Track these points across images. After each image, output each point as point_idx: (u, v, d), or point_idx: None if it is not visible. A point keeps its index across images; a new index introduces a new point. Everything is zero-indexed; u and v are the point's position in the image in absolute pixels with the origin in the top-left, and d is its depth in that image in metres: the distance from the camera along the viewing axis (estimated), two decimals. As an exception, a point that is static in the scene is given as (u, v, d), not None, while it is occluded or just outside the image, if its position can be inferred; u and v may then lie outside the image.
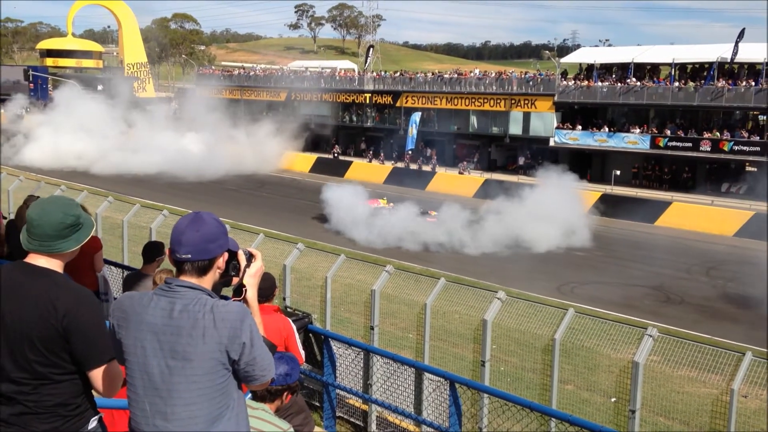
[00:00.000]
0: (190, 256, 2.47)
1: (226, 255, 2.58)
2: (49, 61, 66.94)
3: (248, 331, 2.44)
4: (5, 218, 8.14)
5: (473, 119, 42.73)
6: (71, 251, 2.81)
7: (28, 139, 42.07)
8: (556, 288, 19.36)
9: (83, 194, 15.40)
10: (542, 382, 9.10)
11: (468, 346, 10.96)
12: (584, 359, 10.86)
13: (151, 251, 6.22)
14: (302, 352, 5.08)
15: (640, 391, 7.77)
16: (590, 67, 39.26)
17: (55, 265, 2.77)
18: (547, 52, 75.57)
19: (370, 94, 47.12)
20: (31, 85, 63.79)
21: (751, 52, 33.74)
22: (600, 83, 37.64)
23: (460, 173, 39.19)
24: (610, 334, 8.88)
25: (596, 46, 56.53)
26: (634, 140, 35.81)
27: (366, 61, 53.16)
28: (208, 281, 2.53)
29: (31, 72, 64.49)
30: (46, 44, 71.43)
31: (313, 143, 47.12)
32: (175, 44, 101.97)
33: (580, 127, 37.83)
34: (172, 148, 39.37)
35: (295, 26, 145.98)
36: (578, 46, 71.30)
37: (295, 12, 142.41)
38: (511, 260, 22.10)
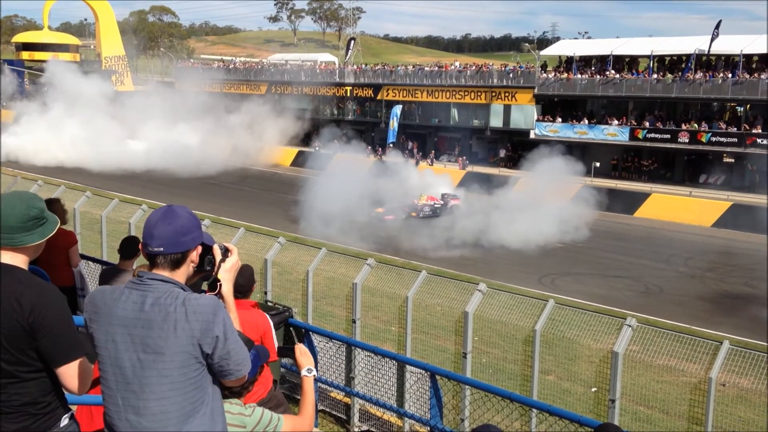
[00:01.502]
0: (162, 249, 2.44)
1: (199, 248, 2.55)
2: (25, 55, 65.84)
3: (221, 324, 2.40)
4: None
5: (454, 112, 42.79)
6: (35, 245, 2.75)
7: (11, 133, 41.28)
8: (537, 280, 19.48)
9: (61, 189, 15.19)
10: (523, 373, 9.15)
11: (450, 338, 10.99)
12: (565, 350, 10.94)
13: (129, 246, 6.14)
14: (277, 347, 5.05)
15: (619, 381, 7.83)
16: (570, 60, 39.46)
17: (20, 260, 2.71)
18: (527, 44, 75.75)
19: (350, 87, 47.00)
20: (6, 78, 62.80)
21: (727, 44, 34.12)
22: (579, 76, 37.85)
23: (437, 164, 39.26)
24: (590, 324, 8.94)
25: (575, 38, 56.68)
26: (614, 132, 36.07)
27: (347, 54, 53.00)
28: (181, 275, 2.50)
29: (6, 65, 63.45)
30: (21, 37, 70.24)
31: (294, 137, 46.91)
32: (153, 37, 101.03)
33: (560, 119, 38.03)
34: (159, 142, 38.90)
35: (274, 19, 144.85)
36: (558, 39, 71.78)
37: (275, 4, 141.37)
38: (492, 253, 22.18)
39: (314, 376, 3.15)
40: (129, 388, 2.38)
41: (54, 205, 6.27)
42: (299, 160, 43.13)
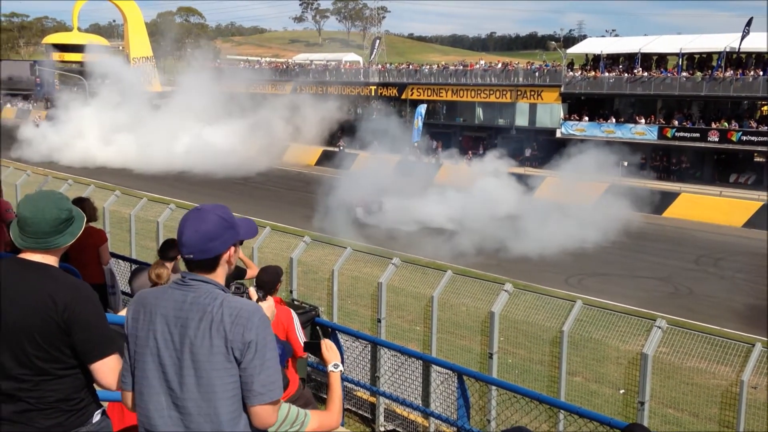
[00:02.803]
0: (192, 256, 2.46)
1: (233, 249, 2.54)
2: (55, 56, 67.02)
3: (257, 331, 2.37)
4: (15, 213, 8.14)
5: (479, 111, 42.58)
6: (66, 246, 2.78)
7: (51, 137, 41.49)
8: (564, 280, 19.31)
9: (90, 188, 15.42)
10: (550, 374, 9.08)
11: (475, 338, 10.94)
12: (592, 351, 10.82)
13: (168, 249, 6.21)
14: (302, 343, 5.06)
15: (649, 383, 7.74)
16: (597, 58, 39.04)
17: (51, 260, 2.74)
18: (553, 42, 75.16)
19: (375, 87, 47.00)
20: (38, 79, 63.89)
21: (758, 42, 33.46)
22: (607, 74, 37.43)
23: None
24: (618, 325, 8.84)
25: (603, 36, 56.12)
26: (642, 131, 35.62)
27: (371, 54, 53.03)
28: (218, 276, 2.50)
29: (37, 67, 64.58)
30: (52, 39, 71.47)
31: (319, 136, 47.01)
32: (180, 38, 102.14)
33: (587, 118, 37.66)
34: (193, 143, 39.06)
35: (299, 19, 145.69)
36: (584, 37, 71.00)
37: (300, 4, 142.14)
38: (517, 253, 22.01)
39: (341, 371, 3.10)
40: (171, 387, 2.39)
41: (83, 203, 6.35)
42: (324, 160, 43.24)
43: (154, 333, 2.41)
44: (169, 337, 2.38)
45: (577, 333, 8.77)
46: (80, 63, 63.26)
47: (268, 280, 5.17)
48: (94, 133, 40.92)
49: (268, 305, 2.94)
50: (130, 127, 41.23)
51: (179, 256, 6.20)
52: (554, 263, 20.81)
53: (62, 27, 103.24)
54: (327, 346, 3.17)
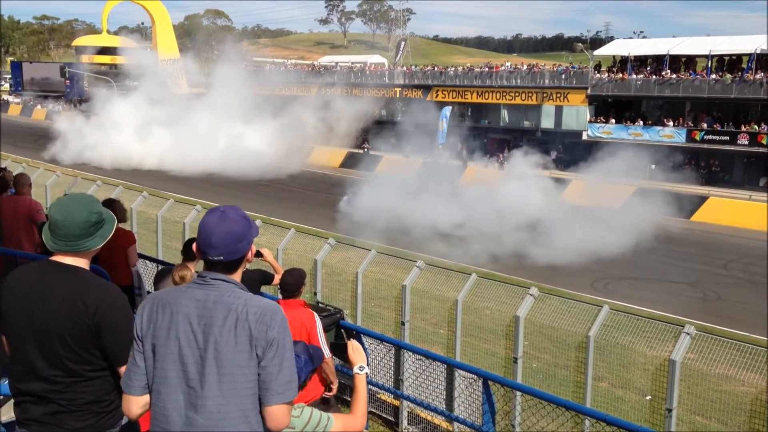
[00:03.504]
0: (222, 258, 2.48)
1: (254, 248, 2.60)
2: (85, 58, 68.07)
3: (279, 329, 2.41)
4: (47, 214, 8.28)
5: (504, 113, 42.38)
6: (97, 248, 2.82)
7: (84, 138, 41.74)
8: (589, 284, 19.12)
9: (118, 189, 15.61)
10: (576, 380, 8.99)
11: (499, 342, 10.87)
12: (618, 356, 10.70)
13: (192, 249, 6.27)
14: (326, 350, 4.99)
15: (676, 390, 7.63)
16: (624, 60, 38.64)
17: (82, 262, 2.78)
18: (579, 44, 74.52)
19: (400, 89, 47.00)
20: (68, 81, 64.95)
21: (790, 43, 32.92)
22: (634, 76, 37.03)
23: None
24: (645, 331, 8.73)
25: (630, 38, 55.57)
26: (670, 133, 35.18)
27: (396, 56, 53.06)
28: (238, 275, 2.55)
29: (67, 69, 65.66)
30: (81, 41, 72.68)
31: (343, 138, 47.13)
32: (207, 40, 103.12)
33: (614, 120, 37.29)
34: (219, 145, 39.24)
35: (325, 21, 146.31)
36: (612, 38, 70.41)
37: (326, 7, 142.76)
38: (543, 256, 21.84)
39: (366, 373, 3.09)
40: (190, 385, 2.40)
41: (113, 204, 6.43)
42: (348, 162, 43.33)
43: (176, 332, 2.42)
44: (192, 336, 2.40)
45: (602, 338, 8.68)
46: (109, 65, 64.18)
47: (292, 283, 5.19)
48: (127, 134, 41.25)
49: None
50: (161, 128, 41.54)
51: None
52: (580, 267, 20.61)
53: (92, 29, 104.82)
54: (353, 347, 3.15)
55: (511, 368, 9.00)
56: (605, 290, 18.78)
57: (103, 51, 65.15)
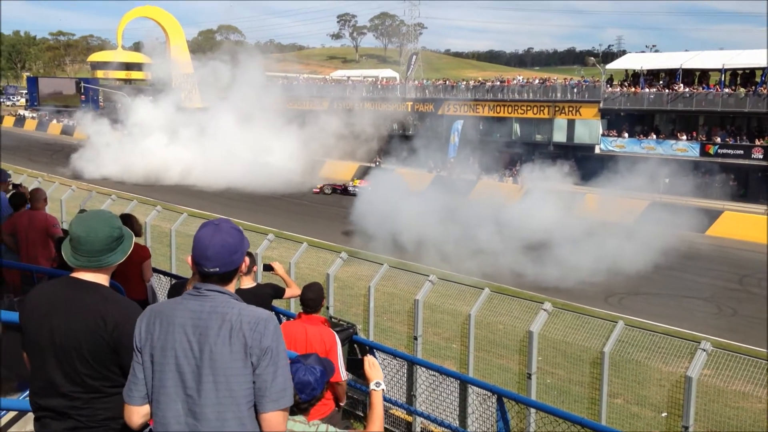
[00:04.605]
0: (218, 269, 2.54)
1: (247, 260, 2.68)
2: (100, 73, 68.80)
3: (273, 337, 2.47)
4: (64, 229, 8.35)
5: (516, 127, 42.36)
6: (117, 264, 2.85)
7: (100, 151, 41.86)
8: (603, 299, 18.99)
9: (132, 203, 15.70)
10: (590, 396, 8.91)
11: (513, 357, 10.81)
12: (633, 372, 10.60)
13: None
14: (343, 372, 4.95)
15: (693, 407, 7.55)
16: (637, 74, 38.59)
17: (102, 278, 2.81)
18: (591, 58, 74.55)
19: (411, 103, 47.12)
20: (83, 96, 65.63)
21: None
22: (647, 89, 36.94)
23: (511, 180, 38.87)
24: (660, 346, 8.67)
25: (642, 51, 55.42)
26: (684, 147, 35.01)
27: (408, 70, 53.23)
28: (233, 286, 2.62)
29: (82, 84, 66.35)
30: (96, 57, 73.45)
31: (355, 152, 47.25)
32: (221, 55, 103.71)
33: (626, 134, 37.17)
34: (234, 159, 39.37)
35: (337, 36, 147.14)
36: (624, 52, 70.22)
37: (338, 22, 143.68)
38: (555, 271, 21.73)
39: (383, 390, 3.09)
40: (188, 393, 2.45)
41: (129, 219, 6.47)
42: (360, 175, 43.37)
43: (172, 343, 2.47)
44: (188, 345, 2.46)
45: (617, 354, 8.61)
46: (124, 80, 64.78)
47: (314, 298, 5.17)
48: (149, 148, 41.39)
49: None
50: (183, 142, 41.72)
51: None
52: (593, 282, 20.48)
53: (107, 45, 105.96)
54: (370, 363, 3.14)
55: (524, 384, 8.94)
56: (619, 305, 18.64)
57: (119, 66, 65.83)
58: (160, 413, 2.50)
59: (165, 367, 2.48)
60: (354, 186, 37.60)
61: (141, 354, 2.54)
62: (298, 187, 38.66)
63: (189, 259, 2.61)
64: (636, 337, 8.85)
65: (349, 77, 57.18)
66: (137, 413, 2.55)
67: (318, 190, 37.74)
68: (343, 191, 37.39)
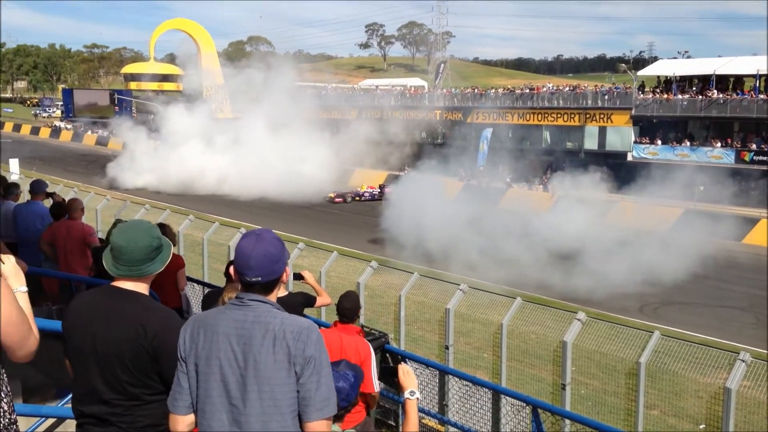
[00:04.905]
0: (260, 279, 2.56)
1: (288, 270, 2.69)
2: (133, 85, 70.12)
3: (316, 347, 2.48)
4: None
5: (546, 134, 42.07)
6: (156, 273, 2.88)
7: (138, 162, 42.32)
8: (638, 309, 18.71)
9: (166, 213, 15.91)
10: (626, 407, 8.77)
11: (546, 367, 10.69)
12: (670, 383, 10.41)
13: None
14: (376, 383, 4.90)
15: (732, 419, 7.38)
16: (669, 80, 38.09)
17: (142, 287, 2.86)
18: (622, 65, 73.74)
19: (440, 111, 47.09)
20: (116, 107, 66.87)
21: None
22: (680, 96, 36.43)
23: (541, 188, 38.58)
24: (697, 357, 8.50)
25: (675, 58, 54.80)
26: (718, 155, 34.42)
27: (436, 78, 53.25)
28: (275, 296, 2.62)
29: (116, 95, 67.61)
30: (129, 68, 74.91)
31: (384, 160, 47.33)
32: (250, 66, 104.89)
33: (659, 141, 36.68)
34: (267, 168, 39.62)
35: (365, 45, 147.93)
36: (655, 59, 69.55)
37: (366, 31, 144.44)
38: (589, 279, 21.47)
39: (417, 399, 3.06)
40: (233, 404, 2.46)
41: (165, 229, 6.54)
42: (389, 184, 43.39)
43: (216, 352, 2.49)
44: (233, 355, 2.47)
45: (653, 364, 8.48)
46: (156, 91, 65.86)
47: (350, 308, 5.16)
48: (180, 156, 41.84)
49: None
50: (219, 152, 42.12)
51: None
52: (627, 291, 20.18)
53: (140, 57, 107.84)
54: (404, 371, 3.11)
55: (558, 394, 8.83)
56: (655, 315, 18.34)
57: (152, 78, 66.95)
58: (205, 422, 2.52)
59: (210, 376, 2.49)
60: (363, 191, 39.42)
61: (185, 363, 2.56)
62: (326, 194, 38.91)
63: (232, 269, 2.63)
64: (672, 347, 8.70)
65: (377, 86, 57.34)
66: (182, 422, 2.57)
67: (341, 200, 38.46)
68: (357, 197, 38.93)
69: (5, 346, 2.43)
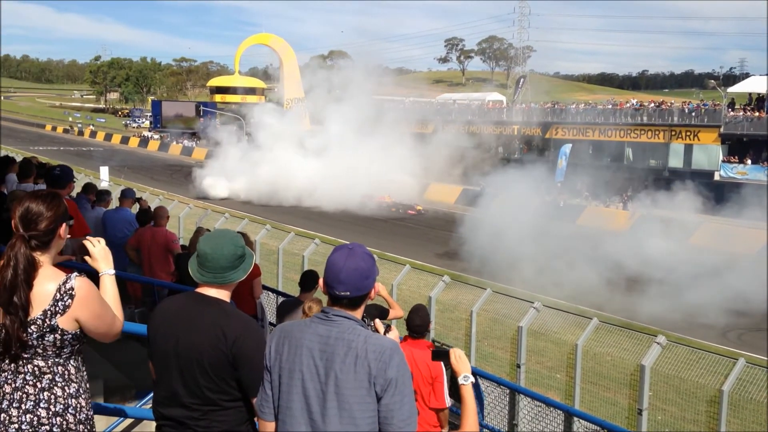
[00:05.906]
0: (349, 293, 2.55)
1: (377, 286, 2.67)
2: (218, 97, 72.66)
3: (398, 368, 2.45)
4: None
5: (628, 151, 40.93)
6: (239, 281, 2.98)
7: (228, 172, 42.87)
8: (721, 334, 17.89)
9: (244, 222, 16.37)
10: (706, 437, 8.40)
11: (621, 391, 10.39)
12: (754, 413, 9.91)
13: (309, 280, 6.49)
14: (448, 398, 4.87)
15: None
16: (761, 97, 36.43)
17: (224, 294, 2.94)
18: (711, 81, 70.96)
19: (518, 126, 46.57)
20: (201, 119, 69.38)
21: None
22: (773, 113, 34.82)
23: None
24: (786, 387, 8.08)
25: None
26: (815, 175, 32.66)
27: (515, 93, 52.73)
28: (359, 312, 2.60)
29: (201, 107, 70.17)
30: (215, 82, 77.70)
31: (459, 175, 47.12)
32: (330, 80, 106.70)
33: (749, 161, 35.08)
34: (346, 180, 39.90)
35: (444, 60, 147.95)
36: (747, 75, 66.48)
37: (445, 46, 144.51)
38: (670, 302, 20.70)
39: (472, 383, 2.98)
40: (313, 417, 2.47)
41: (244, 238, 6.74)
42: (464, 199, 43.16)
43: (299, 365, 2.51)
44: (315, 370, 2.48)
45: (737, 393, 8.11)
46: (239, 104, 67.94)
47: (420, 324, 5.15)
48: (267, 166, 42.65)
49: (395, 335, 3.02)
50: (298, 163, 42.77)
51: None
52: (710, 315, 19.34)
53: (225, 71, 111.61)
54: (457, 355, 3.00)
55: (634, 419, 8.57)
56: (739, 341, 17.50)
57: (236, 90, 69.09)
58: None
59: (292, 388, 2.53)
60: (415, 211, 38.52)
61: (270, 373, 2.60)
62: (405, 208, 39.00)
63: (321, 281, 2.64)
64: (758, 375, 8.31)
65: (455, 100, 57.22)
66: (272, 428, 2.62)
67: (398, 211, 38.10)
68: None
69: (93, 336, 2.72)
